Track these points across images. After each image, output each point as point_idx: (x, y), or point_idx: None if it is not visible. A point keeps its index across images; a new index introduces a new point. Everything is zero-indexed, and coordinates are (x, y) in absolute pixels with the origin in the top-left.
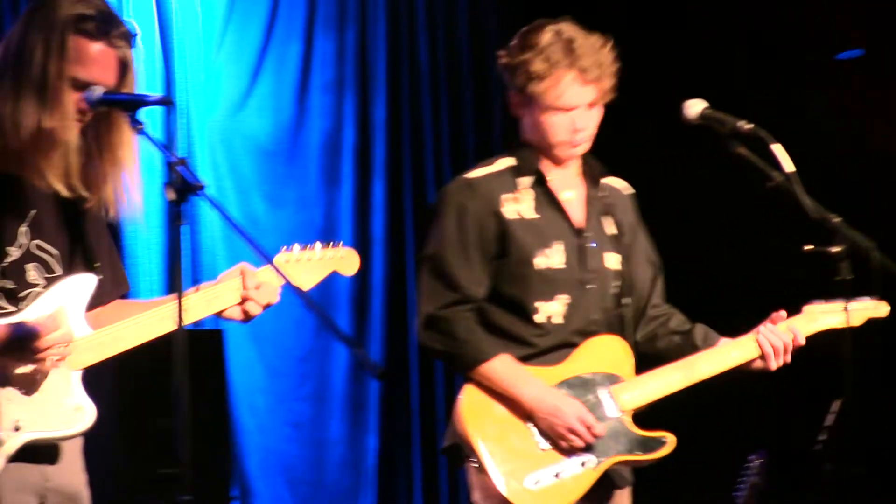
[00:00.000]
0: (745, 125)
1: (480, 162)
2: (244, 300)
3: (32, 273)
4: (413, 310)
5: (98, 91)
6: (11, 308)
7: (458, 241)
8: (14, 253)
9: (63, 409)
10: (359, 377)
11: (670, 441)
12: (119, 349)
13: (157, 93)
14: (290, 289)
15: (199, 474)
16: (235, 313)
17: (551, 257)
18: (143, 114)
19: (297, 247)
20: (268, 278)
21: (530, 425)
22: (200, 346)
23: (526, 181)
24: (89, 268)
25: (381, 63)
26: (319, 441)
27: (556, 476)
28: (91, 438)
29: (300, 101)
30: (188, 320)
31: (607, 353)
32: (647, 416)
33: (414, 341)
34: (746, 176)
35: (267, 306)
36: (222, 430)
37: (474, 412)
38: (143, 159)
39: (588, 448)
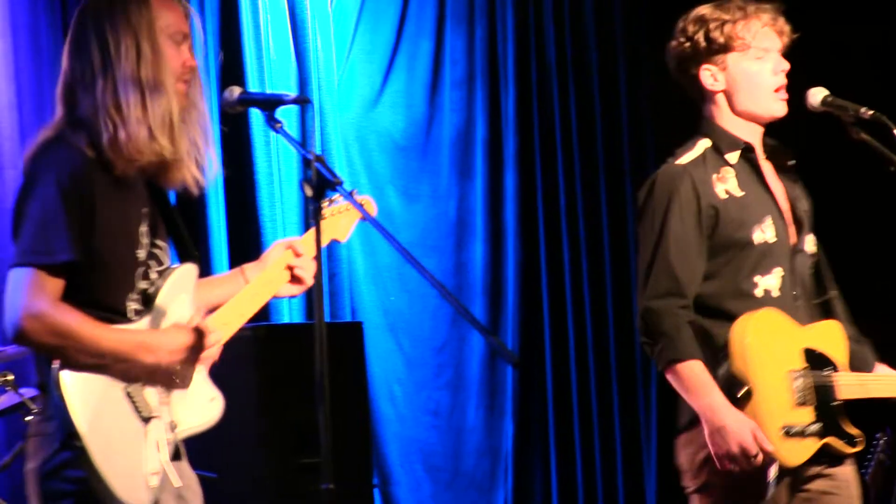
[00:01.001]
0: (867, 112)
1: (680, 148)
2: (294, 275)
3: (153, 271)
4: (545, 297)
5: (235, 92)
6: (141, 310)
7: (676, 231)
8: (141, 255)
9: (201, 401)
10: (494, 365)
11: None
12: (228, 335)
13: (291, 92)
14: (427, 281)
15: (340, 463)
16: (287, 290)
17: (766, 231)
18: (280, 113)
19: (329, 199)
20: (307, 249)
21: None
22: (340, 338)
23: (731, 157)
24: (186, 253)
25: (511, 58)
26: (457, 428)
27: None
28: (226, 429)
29: (432, 97)
30: (251, 312)
31: (835, 337)
32: None
33: (547, 328)
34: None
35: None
36: (362, 420)
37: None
38: (282, 157)
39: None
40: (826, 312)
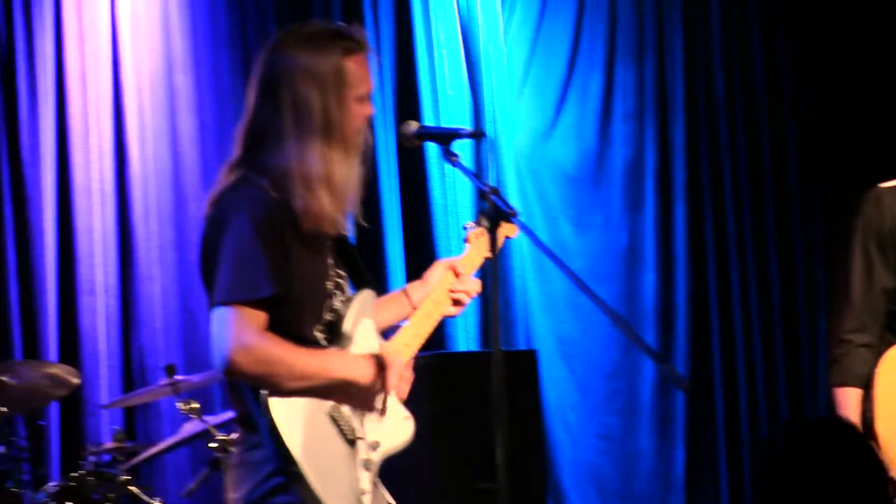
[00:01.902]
0: None
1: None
2: (454, 297)
3: (337, 301)
4: (715, 324)
5: (413, 126)
6: (328, 339)
7: (861, 262)
8: (329, 286)
9: (396, 420)
10: (666, 391)
11: None
12: (409, 355)
13: (466, 125)
14: (600, 309)
15: (515, 488)
16: (452, 311)
17: None
18: (456, 146)
19: (471, 224)
20: (466, 269)
21: None
22: (515, 365)
23: None
24: (362, 280)
25: (680, 91)
26: (629, 453)
27: None
28: (404, 455)
29: (602, 129)
30: (426, 332)
31: None
32: None
33: (717, 355)
34: None
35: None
36: (537, 445)
37: None
38: (457, 188)
39: None
40: None
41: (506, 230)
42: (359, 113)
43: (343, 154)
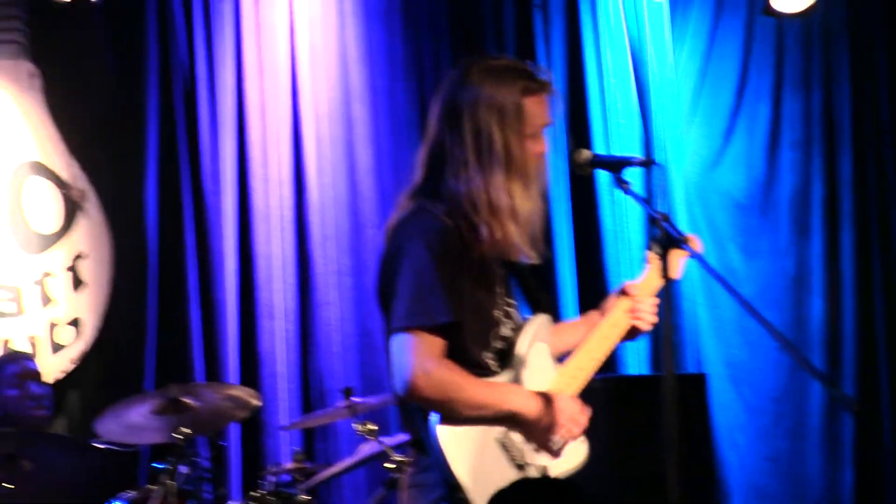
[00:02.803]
0: None
1: None
2: (635, 319)
3: (507, 329)
4: (883, 350)
5: (586, 154)
6: (499, 364)
7: None
8: (498, 314)
9: (568, 446)
10: (834, 414)
11: None
12: (583, 379)
13: (636, 153)
14: (768, 333)
15: None
16: (631, 333)
17: None
18: (627, 173)
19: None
20: (645, 290)
21: None
22: (685, 388)
23: None
24: (537, 306)
25: (847, 120)
26: (797, 475)
27: None
28: (581, 473)
29: (770, 157)
30: (602, 354)
31: None
32: None
33: (885, 380)
34: None
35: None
36: (707, 467)
37: None
38: (627, 215)
39: None
40: None
41: (683, 252)
42: (533, 149)
43: (523, 187)
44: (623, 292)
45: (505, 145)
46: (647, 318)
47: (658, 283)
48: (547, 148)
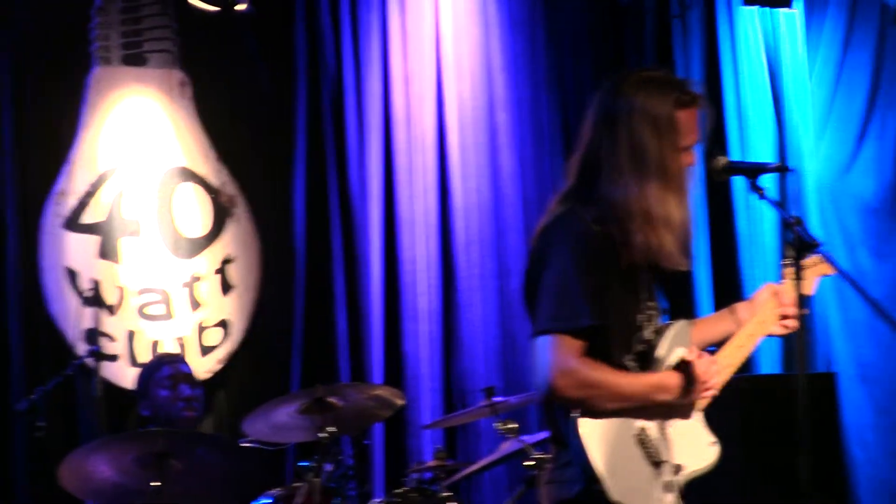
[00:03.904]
0: None
1: None
2: (783, 317)
3: (648, 332)
4: None
5: (722, 161)
6: (639, 367)
7: None
8: (641, 318)
9: (701, 445)
10: None
11: None
12: (731, 369)
13: (770, 158)
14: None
15: None
16: (777, 331)
17: None
18: (763, 179)
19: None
20: (791, 296)
21: None
22: (816, 387)
23: None
24: (678, 311)
25: None
26: None
27: None
28: (721, 473)
29: None
30: (749, 348)
31: None
32: None
33: None
34: None
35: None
36: (837, 464)
37: None
38: (763, 220)
39: None
40: None
41: (822, 269)
42: (683, 161)
43: (677, 198)
44: (772, 291)
45: (660, 156)
46: (791, 324)
47: (796, 294)
48: (694, 161)
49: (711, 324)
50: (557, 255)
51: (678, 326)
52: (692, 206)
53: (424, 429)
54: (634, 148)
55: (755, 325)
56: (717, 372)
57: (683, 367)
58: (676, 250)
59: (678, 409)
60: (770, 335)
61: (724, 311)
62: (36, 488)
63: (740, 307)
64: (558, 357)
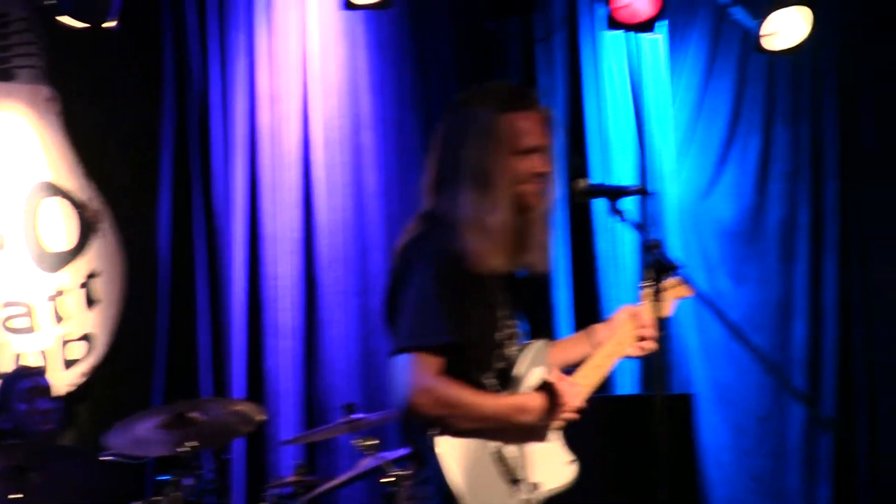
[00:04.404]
0: None
1: None
2: (640, 339)
3: (508, 350)
4: (861, 372)
5: (583, 183)
6: (499, 385)
7: None
8: (499, 336)
9: (559, 464)
10: (813, 433)
11: None
12: (588, 389)
13: (632, 181)
14: (753, 356)
15: None
16: (633, 352)
17: None
18: (623, 202)
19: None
20: (649, 318)
21: None
22: (673, 408)
23: None
24: (537, 331)
25: (832, 153)
26: (777, 493)
27: None
28: (579, 492)
29: (760, 187)
30: (607, 368)
31: None
32: None
33: (861, 398)
34: None
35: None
36: (692, 484)
37: None
38: (624, 242)
39: None
40: None
41: (680, 291)
42: (521, 166)
43: (493, 202)
44: (630, 312)
45: (477, 162)
46: (648, 345)
47: (654, 317)
48: (546, 168)
49: (569, 346)
50: (417, 273)
51: (537, 346)
52: (543, 213)
53: (285, 444)
54: (455, 159)
55: (613, 346)
56: (577, 393)
57: (544, 388)
58: (496, 255)
59: (536, 429)
60: (627, 357)
61: (581, 334)
62: None
63: (598, 329)
64: (417, 375)
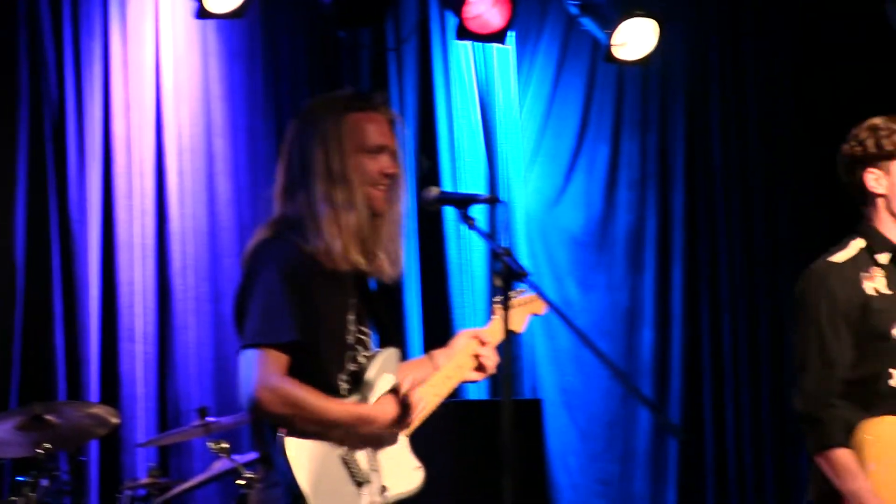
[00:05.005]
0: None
1: (835, 246)
2: (479, 363)
3: (361, 355)
4: (707, 378)
5: (433, 191)
6: (350, 388)
7: (830, 322)
8: (350, 340)
9: (406, 469)
10: (660, 439)
11: None
12: (427, 411)
13: (482, 190)
14: (601, 363)
15: None
16: (473, 376)
17: None
18: (472, 210)
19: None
20: (490, 338)
21: None
22: (521, 413)
23: (882, 258)
24: (388, 339)
25: (680, 162)
26: (625, 496)
27: None
28: (422, 492)
29: (608, 196)
30: (444, 393)
31: None
32: None
33: (708, 406)
34: None
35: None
36: (540, 487)
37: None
38: (472, 250)
39: None
40: None
41: (534, 307)
42: (369, 165)
43: (346, 198)
44: (469, 336)
45: (326, 161)
46: (489, 365)
47: (502, 334)
48: (395, 169)
49: (410, 369)
50: (265, 273)
51: (387, 353)
52: (396, 216)
53: (139, 447)
54: (304, 162)
55: (451, 370)
56: (422, 409)
57: (395, 396)
58: (349, 251)
59: (382, 437)
60: (466, 381)
61: (423, 358)
62: None
63: (438, 354)
64: (262, 372)
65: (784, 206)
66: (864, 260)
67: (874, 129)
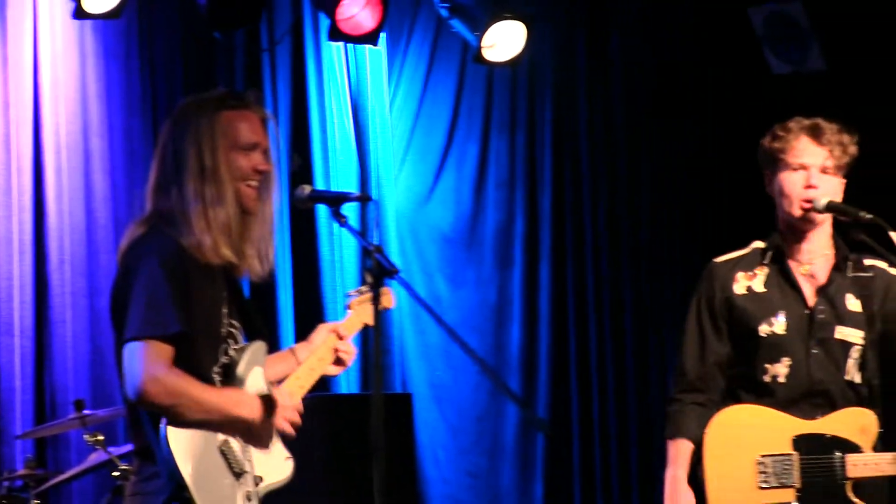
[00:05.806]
0: (866, 215)
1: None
2: (337, 356)
3: (232, 348)
4: (574, 374)
5: (306, 190)
6: (223, 381)
7: (706, 318)
8: (223, 332)
9: (278, 460)
10: (527, 434)
11: None
12: (295, 402)
13: (353, 189)
14: (470, 358)
15: None
16: (332, 370)
17: (774, 325)
18: (344, 208)
19: (358, 290)
20: (348, 332)
21: None
22: (392, 407)
23: (767, 257)
24: (255, 332)
25: (548, 161)
26: (493, 490)
27: None
28: (296, 484)
29: (477, 194)
30: (309, 385)
31: (855, 422)
32: None
33: (575, 402)
34: None
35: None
36: (410, 481)
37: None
38: (344, 247)
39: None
40: (875, 397)
41: (383, 302)
42: (241, 162)
43: (217, 194)
44: (329, 330)
45: (198, 157)
46: (347, 359)
47: (361, 324)
48: (267, 166)
49: (274, 363)
50: (145, 267)
51: (255, 347)
52: (268, 213)
53: (17, 439)
54: (177, 159)
55: (313, 363)
56: (292, 418)
57: (267, 400)
58: (220, 245)
59: (261, 429)
60: (326, 374)
61: (285, 352)
62: None
63: (299, 347)
64: (148, 363)
65: (647, 205)
66: (753, 259)
67: (771, 133)
